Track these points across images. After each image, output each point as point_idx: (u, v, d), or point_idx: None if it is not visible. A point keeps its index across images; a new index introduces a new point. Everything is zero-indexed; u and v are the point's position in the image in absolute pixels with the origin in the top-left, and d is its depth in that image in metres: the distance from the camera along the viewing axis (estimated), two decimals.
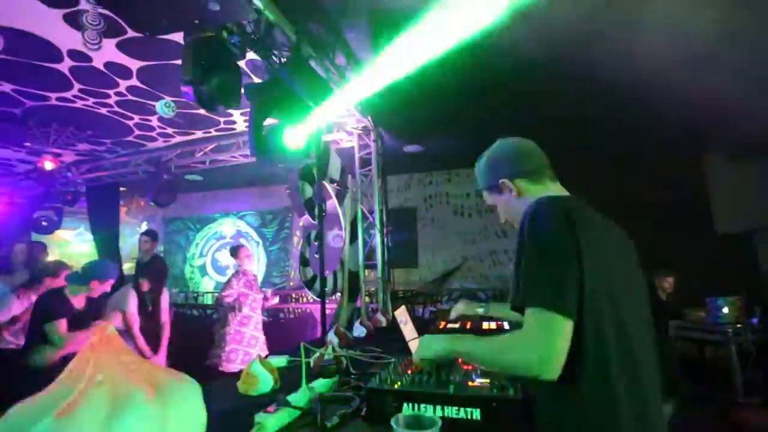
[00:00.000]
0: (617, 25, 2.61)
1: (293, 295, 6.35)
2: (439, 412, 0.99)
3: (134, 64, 3.01)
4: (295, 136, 2.67)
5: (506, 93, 3.64)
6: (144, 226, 7.78)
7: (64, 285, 2.75)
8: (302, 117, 2.90)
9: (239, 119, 4.22)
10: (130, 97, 3.54)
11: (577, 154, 4.74)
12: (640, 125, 4.19)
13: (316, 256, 3.29)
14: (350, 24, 2.69)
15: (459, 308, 1.87)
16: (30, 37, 2.62)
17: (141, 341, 3.33)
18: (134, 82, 3.27)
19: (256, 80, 3.13)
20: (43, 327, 2.48)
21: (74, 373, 0.85)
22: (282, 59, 2.52)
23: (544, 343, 0.79)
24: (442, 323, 1.94)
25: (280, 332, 5.26)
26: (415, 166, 6.08)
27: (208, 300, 7.04)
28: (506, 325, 2.06)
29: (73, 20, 2.44)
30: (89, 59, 2.91)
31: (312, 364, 1.51)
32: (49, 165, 4.91)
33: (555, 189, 1.06)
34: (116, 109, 3.80)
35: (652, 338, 0.92)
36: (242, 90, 2.31)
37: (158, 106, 3.51)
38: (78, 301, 2.71)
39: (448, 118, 4.28)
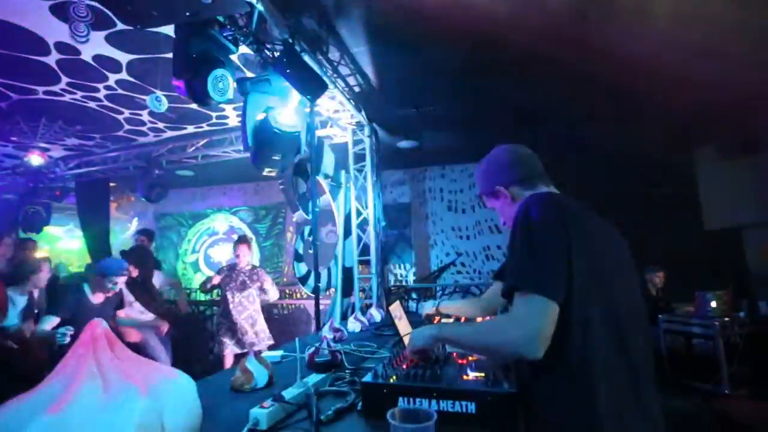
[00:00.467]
0: (610, 21, 2.63)
1: (287, 291, 6.33)
2: (434, 406, 1.00)
3: (124, 58, 2.96)
4: (289, 130, 2.65)
5: (500, 89, 3.64)
6: (135, 222, 7.70)
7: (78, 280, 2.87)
8: (295, 112, 2.88)
9: (232, 114, 4.18)
10: (119, 90, 3.49)
11: (567, 151, 4.78)
12: (631, 122, 4.23)
13: (310, 251, 3.27)
14: (344, 18, 2.67)
15: (426, 306, 1.92)
16: (15, 29, 2.56)
17: (149, 318, 3.37)
18: (124, 75, 3.22)
19: (249, 74, 3.10)
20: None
21: (67, 370, 0.84)
22: (275, 53, 2.50)
23: (529, 323, 0.81)
24: (437, 318, 1.96)
25: (274, 328, 5.24)
26: (409, 161, 6.08)
27: (201, 296, 6.99)
28: None
29: (60, 12, 2.39)
30: (77, 52, 2.86)
31: (306, 359, 1.51)
32: (36, 160, 4.82)
33: (551, 190, 1.10)
34: (105, 103, 3.74)
35: (645, 328, 0.95)
36: (235, 84, 2.28)
37: (149, 100, 3.47)
38: (97, 298, 2.81)
39: (442, 114, 4.28)
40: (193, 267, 7.50)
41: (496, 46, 2.90)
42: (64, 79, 3.25)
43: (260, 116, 2.76)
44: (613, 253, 0.97)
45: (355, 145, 4.34)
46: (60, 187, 5.48)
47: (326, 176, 4.17)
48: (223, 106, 3.92)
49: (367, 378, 1.12)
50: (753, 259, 4.75)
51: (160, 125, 4.38)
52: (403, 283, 6.17)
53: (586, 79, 3.34)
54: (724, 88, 3.51)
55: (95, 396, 0.82)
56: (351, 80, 3.49)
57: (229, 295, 3.74)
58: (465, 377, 1.11)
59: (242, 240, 3.91)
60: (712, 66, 3.14)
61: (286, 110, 2.93)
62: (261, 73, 2.65)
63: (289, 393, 1.13)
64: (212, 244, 7.43)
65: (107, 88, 3.43)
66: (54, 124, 4.10)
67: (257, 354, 1.44)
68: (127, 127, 4.38)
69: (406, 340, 1.65)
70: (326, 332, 2.01)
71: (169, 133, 4.66)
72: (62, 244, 7.84)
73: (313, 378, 1.31)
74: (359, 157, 4.34)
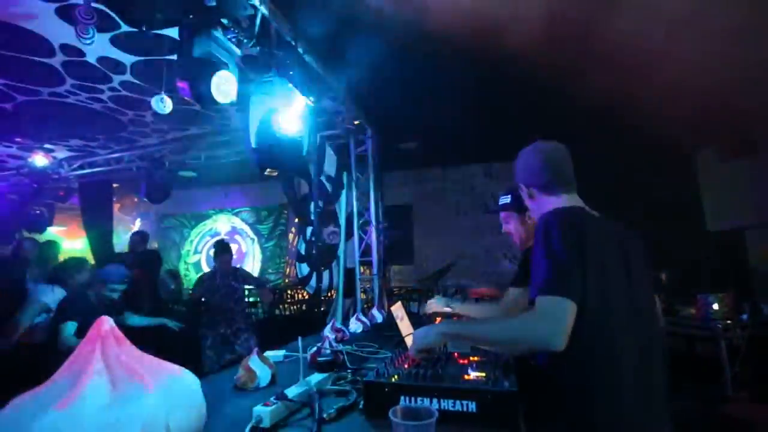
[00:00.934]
0: (611, 23, 2.64)
1: (289, 292, 6.34)
2: (435, 405, 1.01)
3: (128, 59, 2.99)
4: (291, 131, 2.67)
5: (500, 91, 3.65)
6: (138, 223, 7.73)
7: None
8: (298, 113, 2.90)
9: (235, 115, 4.20)
10: (123, 92, 3.51)
11: (570, 152, 4.78)
12: (633, 124, 4.22)
13: (312, 252, 3.28)
14: (346, 20, 2.69)
15: (432, 304, 1.94)
16: (21, 31, 2.59)
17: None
18: (128, 77, 3.25)
19: (252, 76, 3.12)
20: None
21: (74, 367, 0.85)
22: (278, 55, 2.51)
23: (553, 318, 0.91)
24: (438, 319, 1.97)
25: (277, 328, 5.26)
26: (410, 163, 6.09)
27: None
28: None
29: (66, 14, 2.41)
30: (82, 54, 2.88)
31: (309, 359, 1.52)
32: (40, 161, 4.86)
33: (566, 200, 1.17)
34: (110, 104, 3.76)
35: (656, 331, 1.06)
36: (238, 86, 2.30)
37: (153, 101, 3.49)
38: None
39: (443, 116, 4.29)
40: (195, 268, 7.52)
41: (498, 48, 2.92)
42: (69, 81, 3.28)
43: (263, 118, 2.78)
44: (623, 258, 1.06)
45: (357, 147, 4.35)
46: (64, 188, 5.50)
47: (328, 177, 4.19)
48: (226, 107, 3.94)
49: (370, 377, 1.14)
50: (755, 261, 4.74)
51: (164, 126, 4.40)
52: (405, 285, 6.17)
53: (590, 82, 3.36)
54: (723, 91, 3.52)
55: (102, 392, 0.83)
56: (353, 82, 3.51)
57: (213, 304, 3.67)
58: (466, 377, 1.12)
59: (225, 249, 3.81)
60: (712, 69, 3.15)
61: (289, 112, 2.95)
62: (264, 75, 2.67)
63: (291, 392, 1.15)
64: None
65: (111, 89, 3.46)
66: (59, 125, 4.12)
67: (260, 353, 1.45)
68: (131, 128, 4.40)
69: (407, 340, 1.66)
70: (328, 332, 2.02)
71: (173, 134, 4.68)
72: (65, 245, 7.87)
73: (316, 377, 1.32)
74: (361, 159, 4.35)
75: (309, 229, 4.08)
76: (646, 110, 3.91)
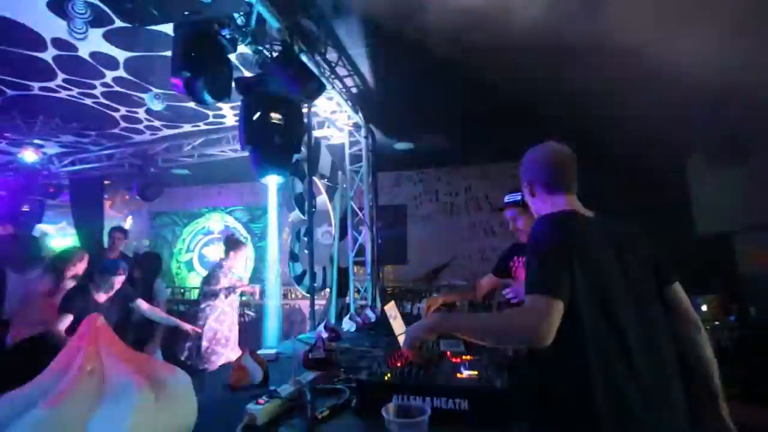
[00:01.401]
0: (601, 27, 2.66)
1: (282, 291, 6.32)
2: (428, 404, 1.01)
3: (121, 55, 2.96)
4: (286, 130, 2.65)
5: (497, 93, 3.67)
6: (129, 221, 7.64)
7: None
8: (293, 112, 2.88)
9: (229, 113, 4.18)
10: (116, 88, 3.48)
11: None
12: (623, 127, 4.27)
13: (306, 251, 3.28)
14: (342, 20, 2.69)
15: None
16: (11, 24, 2.55)
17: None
18: (121, 73, 3.21)
19: (247, 74, 3.10)
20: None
21: (63, 364, 0.84)
22: (273, 53, 2.50)
23: (537, 314, 0.94)
24: (429, 305, 2.05)
25: (268, 327, 5.23)
26: (405, 163, 6.09)
27: (195, 295, 6.95)
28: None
29: (58, 8, 2.38)
30: (75, 49, 2.85)
31: (302, 358, 1.52)
32: (30, 156, 4.78)
33: (566, 201, 1.20)
34: (102, 100, 3.72)
35: (655, 332, 1.05)
36: (233, 84, 2.28)
37: (147, 98, 3.45)
38: (100, 297, 2.81)
39: (439, 116, 4.31)
40: (187, 266, 7.46)
41: (492, 48, 2.93)
42: (61, 76, 3.23)
43: (257, 116, 2.76)
44: (617, 261, 1.07)
45: (351, 147, 4.35)
46: (54, 184, 5.43)
47: (322, 177, 4.18)
48: (220, 105, 3.91)
49: (362, 376, 1.14)
50: (743, 264, 4.81)
51: (157, 123, 4.36)
52: (398, 285, 6.18)
53: (583, 87, 3.39)
54: (714, 96, 3.57)
55: (90, 390, 0.83)
56: (348, 81, 3.51)
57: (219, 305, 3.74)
58: (458, 375, 1.13)
59: (238, 244, 3.94)
60: (704, 74, 3.19)
61: (284, 110, 2.93)
62: (259, 73, 2.66)
63: (284, 390, 1.14)
64: (207, 243, 7.39)
65: (104, 85, 3.42)
66: (49, 120, 4.07)
67: (252, 352, 1.45)
68: (123, 124, 4.36)
69: (400, 339, 1.66)
70: (321, 332, 2.02)
71: (166, 131, 4.64)
72: (55, 242, 7.77)
73: (308, 376, 1.32)
74: (355, 158, 4.35)
75: (303, 229, 4.07)
76: (637, 115, 3.96)
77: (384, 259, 4.97)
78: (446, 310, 3.67)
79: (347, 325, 2.46)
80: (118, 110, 3.97)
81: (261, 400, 1.05)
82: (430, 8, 2.50)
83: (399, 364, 1.23)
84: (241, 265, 3.86)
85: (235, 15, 2.23)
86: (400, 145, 5.05)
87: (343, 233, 4.46)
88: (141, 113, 4.07)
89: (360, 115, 4.03)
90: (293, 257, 4.03)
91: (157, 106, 2.84)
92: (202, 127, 4.54)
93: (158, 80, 3.33)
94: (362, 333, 2.36)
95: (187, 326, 3.28)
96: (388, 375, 1.13)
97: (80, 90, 3.51)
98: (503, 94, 3.68)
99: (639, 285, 1.07)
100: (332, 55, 3.09)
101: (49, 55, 2.91)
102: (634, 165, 5.01)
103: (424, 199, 6.43)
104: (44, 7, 2.38)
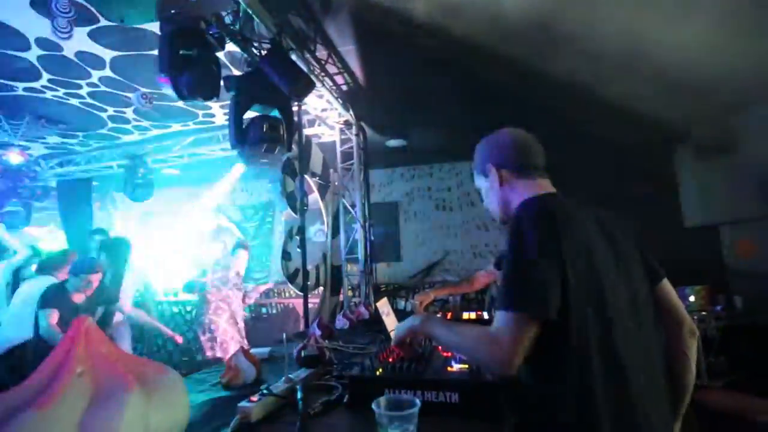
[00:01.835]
0: (588, 21, 2.69)
1: (275, 290, 6.30)
2: (419, 397, 1.03)
3: (108, 54, 2.92)
4: (277, 128, 2.64)
5: (487, 88, 3.69)
6: (118, 223, 7.55)
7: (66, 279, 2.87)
8: (283, 110, 2.87)
9: (218, 112, 4.14)
10: (103, 88, 3.43)
11: (549, 148, 4.86)
12: (611, 120, 4.32)
13: (298, 250, 3.28)
14: (331, 17, 2.68)
15: (418, 297, 2.13)
16: None
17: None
18: (108, 72, 3.17)
19: (236, 72, 3.08)
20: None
21: (53, 366, 0.84)
22: (262, 51, 2.49)
23: (503, 343, 0.81)
24: (420, 307, 2.06)
25: (263, 327, 5.23)
26: (397, 160, 6.10)
27: (190, 297, 6.90)
28: (485, 315, 2.14)
29: (41, 6, 2.34)
30: (59, 48, 2.80)
31: (294, 355, 1.53)
32: (15, 158, 4.70)
33: (541, 186, 1.05)
34: (88, 100, 3.67)
35: (649, 342, 0.92)
36: (222, 82, 2.27)
37: (134, 97, 3.41)
38: (77, 297, 2.81)
39: (430, 113, 4.31)
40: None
41: (485, 48, 2.95)
42: (45, 76, 3.18)
43: (247, 114, 2.75)
44: (611, 259, 0.94)
45: (342, 144, 4.34)
46: (41, 186, 5.35)
47: (314, 175, 4.17)
48: (209, 104, 3.88)
49: (354, 371, 1.15)
50: (729, 255, 4.91)
51: (145, 123, 4.32)
52: (391, 282, 6.20)
53: (571, 80, 3.42)
54: (703, 90, 3.63)
55: (81, 391, 0.82)
56: (339, 79, 3.50)
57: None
58: (449, 369, 1.14)
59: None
60: (691, 69, 3.24)
61: (274, 108, 2.92)
62: (247, 71, 2.64)
63: (277, 388, 1.15)
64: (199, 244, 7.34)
65: (90, 85, 3.37)
66: (35, 121, 4.00)
67: (245, 351, 1.45)
68: (110, 125, 4.30)
69: (392, 335, 1.68)
70: (314, 329, 2.02)
71: (155, 131, 4.59)
72: (43, 245, 7.64)
73: (301, 373, 1.33)
74: (347, 156, 4.35)
75: (295, 227, 4.06)
76: (625, 108, 4.01)
77: (377, 257, 4.98)
78: (439, 304, 3.70)
79: (340, 322, 2.47)
80: (105, 110, 3.92)
81: (254, 398, 1.06)
82: (418, 3, 2.51)
83: (391, 360, 1.24)
84: (244, 264, 3.96)
85: (223, 13, 2.21)
86: (393, 142, 5.05)
87: (335, 231, 4.46)
88: (129, 113, 4.02)
89: (351, 112, 4.02)
90: (286, 256, 4.02)
91: (145, 105, 2.81)
92: (191, 126, 4.50)
93: (146, 79, 3.29)
94: (355, 330, 2.38)
95: (169, 332, 3.32)
96: (380, 370, 1.14)
97: (66, 90, 3.46)
98: (494, 88, 3.70)
99: (634, 282, 0.95)
100: (322, 53, 3.08)
101: (32, 54, 2.87)
102: (623, 157, 5.08)
103: (416, 195, 6.45)
104: (27, 5, 2.33)
